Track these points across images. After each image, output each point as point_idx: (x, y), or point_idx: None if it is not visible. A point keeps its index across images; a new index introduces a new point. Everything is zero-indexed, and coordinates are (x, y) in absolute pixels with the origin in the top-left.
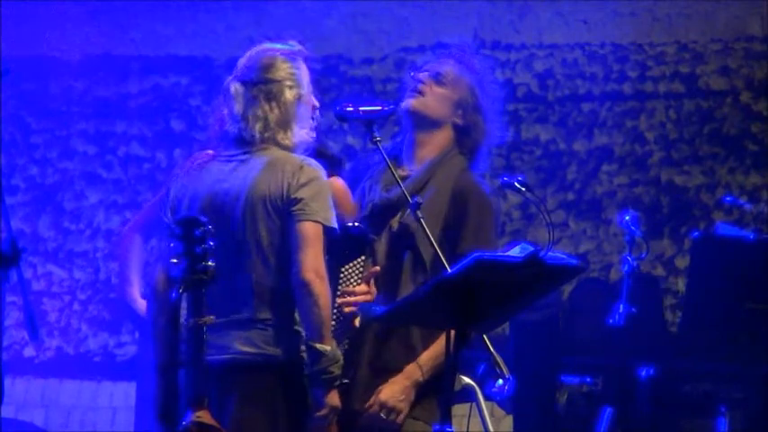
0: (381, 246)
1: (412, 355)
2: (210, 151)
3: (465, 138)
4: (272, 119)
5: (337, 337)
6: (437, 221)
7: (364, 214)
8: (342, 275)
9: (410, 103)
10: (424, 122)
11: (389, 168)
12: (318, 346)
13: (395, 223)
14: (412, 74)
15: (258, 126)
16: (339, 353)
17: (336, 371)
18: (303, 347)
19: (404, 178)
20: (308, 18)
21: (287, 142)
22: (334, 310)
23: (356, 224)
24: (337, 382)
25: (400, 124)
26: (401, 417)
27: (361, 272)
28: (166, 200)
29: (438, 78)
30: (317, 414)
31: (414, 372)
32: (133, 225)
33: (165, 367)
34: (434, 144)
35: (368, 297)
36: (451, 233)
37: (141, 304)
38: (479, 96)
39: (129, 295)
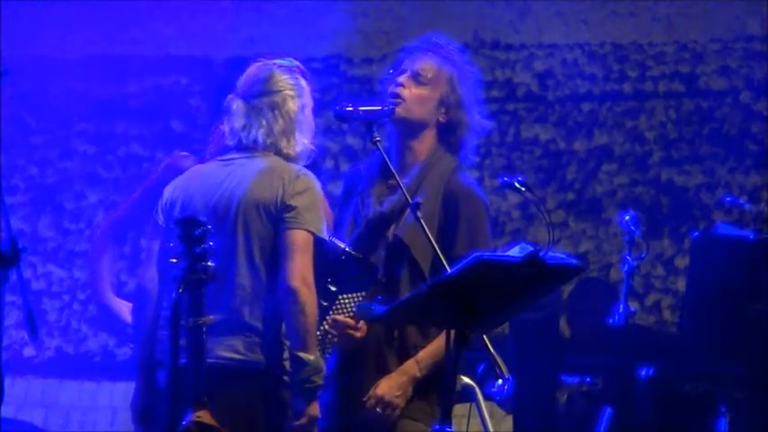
0: (379, 259)
1: (409, 357)
2: (185, 153)
3: (450, 135)
4: (276, 128)
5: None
6: (431, 226)
7: (360, 230)
8: (338, 302)
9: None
10: (408, 127)
11: (389, 168)
12: (302, 355)
13: (390, 235)
14: (391, 71)
15: (261, 132)
16: (322, 363)
17: (319, 381)
18: (286, 356)
19: (394, 188)
20: (308, 18)
21: (289, 151)
22: (318, 332)
23: (360, 255)
24: (319, 392)
25: (386, 130)
26: (396, 412)
27: (356, 305)
28: (150, 200)
29: (417, 78)
30: (296, 423)
31: (411, 368)
32: (106, 225)
33: (146, 366)
34: (421, 148)
35: (353, 332)
36: (445, 236)
37: (117, 303)
38: (460, 90)
39: (104, 294)
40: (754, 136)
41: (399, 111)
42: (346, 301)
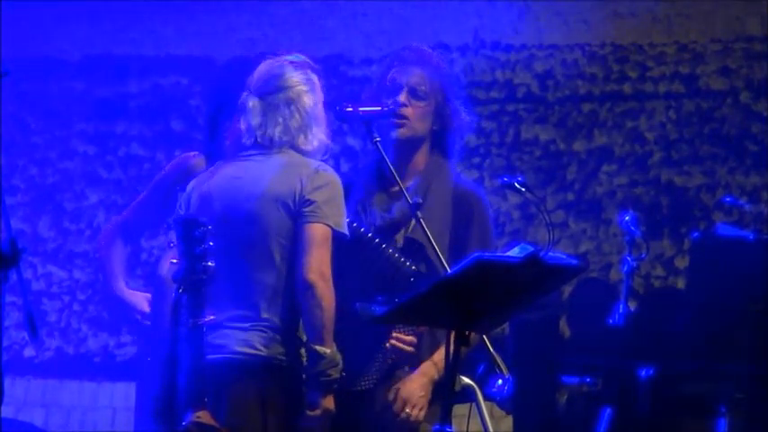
0: None
1: (418, 358)
2: (195, 153)
3: (442, 141)
4: (292, 123)
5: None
6: (445, 230)
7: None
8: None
9: (398, 132)
10: (412, 143)
11: (387, 175)
12: (318, 348)
13: (400, 239)
14: (376, 84)
15: (278, 130)
16: (339, 356)
17: (335, 374)
18: (303, 351)
19: (396, 195)
20: (308, 18)
21: (306, 146)
22: (380, 354)
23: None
24: (335, 386)
25: (385, 140)
26: (422, 414)
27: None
28: (157, 199)
29: (416, 94)
30: (310, 414)
31: (430, 369)
32: (114, 224)
33: (168, 364)
34: (419, 158)
35: (413, 350)
36: (460, 240)
37: (132, 295)
38: (449, 98)
39: (117, 287)
40: (754, 136)
41: (404, 131)
42: None
